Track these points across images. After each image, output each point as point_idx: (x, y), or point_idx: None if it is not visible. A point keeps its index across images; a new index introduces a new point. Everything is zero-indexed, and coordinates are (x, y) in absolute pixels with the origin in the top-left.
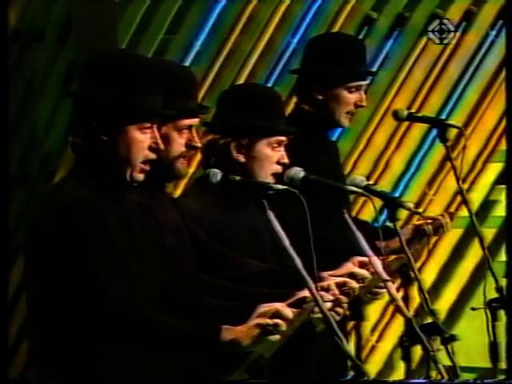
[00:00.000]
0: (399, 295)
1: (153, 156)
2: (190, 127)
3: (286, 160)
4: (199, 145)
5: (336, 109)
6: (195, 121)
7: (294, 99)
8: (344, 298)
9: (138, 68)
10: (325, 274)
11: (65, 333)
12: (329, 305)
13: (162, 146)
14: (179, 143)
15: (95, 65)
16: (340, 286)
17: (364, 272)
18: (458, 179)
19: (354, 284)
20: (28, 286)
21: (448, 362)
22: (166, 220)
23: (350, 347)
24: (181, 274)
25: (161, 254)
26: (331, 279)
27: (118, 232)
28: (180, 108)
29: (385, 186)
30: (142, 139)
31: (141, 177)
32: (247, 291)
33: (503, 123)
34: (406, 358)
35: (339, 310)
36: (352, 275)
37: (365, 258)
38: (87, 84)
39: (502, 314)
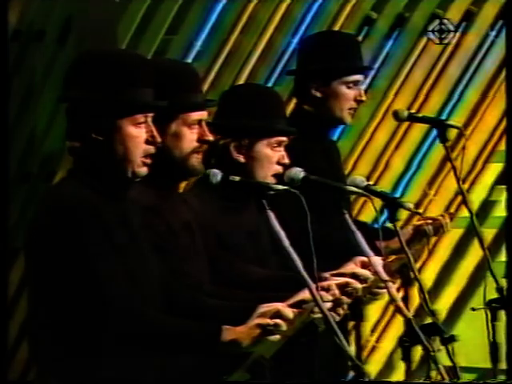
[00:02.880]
0: (399, 295)
1: (151, 149)
2: (199, 122)
3: (286, 160)
4: (211, 138)
5: (336, 106)
6: (204, 114)
7: (295, 99)
8: (346, 299)
9: (124, 63)
10: (327, 274)
11: (65, 333)
12: (329, 305)
13: (158, 139)
14: (191, 139)
15: (79, 66)
16: (342, 286)
17: (367, 272)
18: (458, 179)
19: (357, 284)
20: (29, 286)
21: (448, 363)
22: (178, 222)
23: (350, 347)
24: (192, 282)
25: (172, 262)
26: (333, 279)
27: (117, 232)
28: (187, 102)
29: (385, 186)
30: (138, 134)
31: (144, 170)
32: (252, 298)
33: (503, 123)
34: (406, 358)
35: (340, 310)
36: (355, 276)
37: (367, 259)
38: (76, 87)
39: (502, 314)
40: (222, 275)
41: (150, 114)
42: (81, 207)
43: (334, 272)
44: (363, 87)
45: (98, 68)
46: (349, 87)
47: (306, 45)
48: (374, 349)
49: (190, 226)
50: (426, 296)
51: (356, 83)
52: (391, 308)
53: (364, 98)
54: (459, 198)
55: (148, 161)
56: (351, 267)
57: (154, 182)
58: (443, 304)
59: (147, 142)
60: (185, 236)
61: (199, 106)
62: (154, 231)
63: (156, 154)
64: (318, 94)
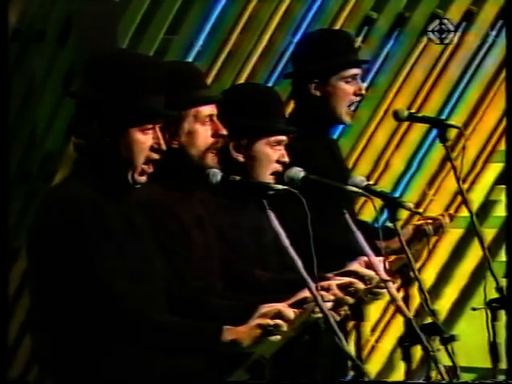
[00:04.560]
0: (399, 295)
1: (156, 156)
2: (211, 118)
3: (286, 159)
4: (225, 132)
5: (337, 103)
6: (214, 109)
7: (294, 102)
8: (349, 299)
9: (138, 69)
10: (330, 274)
11: (66, 332)
12: (329, 305)
13: (163, 147)
14: (205, 135)
15: (96, 65)
16: (346, 286)
17: (371, 273)
18: (458, 179)
19: (361, 285)
20: (31, 285)
21: (448, 362)
22: (192, 222)
23: (350, 347)
24: (198, 285)
25: (178, 263)
26: (336, 279)
27: (120, 231)
28: (195, 97)
29: (385, 186)
30: (144, 140)
31: (143, 179)
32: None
33: (503, 123)
34: (406, 358)
35: (341, 310)
36: (359, 276)
37: (371, 258)
38: (89, 84)
39: (502, 314)
40: (229, 278)
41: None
42: (82, 205)
43: (339, 272)
44: (365, 85)
45: (114, 71)
46: (347, 82)
47: (300, 46)
48: (373, 349)
49: (204, 224)
50: (426, 296)
51: (354, 77)
52: (391, 308)
53: (364, 92)
54: (459, 198)
55: (149, 169)
56: (355, 267)
57: (170, 182)
58: (443, 304)
59: (152, 148)
60: (199, 235)
61: (207, 99)
62: (165, 232)
63: (172, 155)
64: (318, 93)
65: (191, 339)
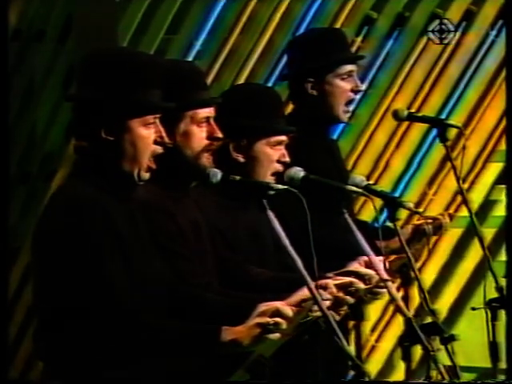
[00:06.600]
0: (399, 295)
1: (159, 150)
2: (207, 119)
3: (286, 158)
4: (220, 135)
5: (334, 101)
6: (211, 111)
7: (292, 103)
8: (350, 299)
9: (133, 63)
10: (331, 274)
11: (68, 331)
12: (328, 303)
13: (166, 140)
14: (200, 137)
15: (90, 65)
16: (346, 286)
17: (372, 272)
18: (458, 179)
19: (361, 284)
20: (34, 285)
21: (448, 362)
22: (188, 222)
23: (350, 347)
24: (198, 282)
25: (177, 262)
26: (336, 279)
27: (123, 231)
28: (194, 99)
29: (385, 185)
30: (147, 135)
31: (147, 175)
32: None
33: (503, 123)
34: (406, 357)
35: (341, 310)
36: (359, 275)
37: (371, 258)
38: (85, 85)
39: (502, 313)
40: (228, 275)
41: (158, 115)
42: (86, 206)
43: (339, 272)
44: (364, 85)
45: (110, 68)
46: (343, 79)
47: (293, 47)
48: (373, 348)
49: (199, 226)
50: (426, 295)
51: (350, 74)
52: (391, 307)
53: (362, 88)
54: (459, 198)
55: (153, 165)
56: (355, 267)
57: (165, 183)
58: (443, 303)
59: (156, 142)
60: (194, 236)
61: (207, 102)
62: (163, 232)
63: (167, 155)
64: (315, 93)
65: (191, 340)
